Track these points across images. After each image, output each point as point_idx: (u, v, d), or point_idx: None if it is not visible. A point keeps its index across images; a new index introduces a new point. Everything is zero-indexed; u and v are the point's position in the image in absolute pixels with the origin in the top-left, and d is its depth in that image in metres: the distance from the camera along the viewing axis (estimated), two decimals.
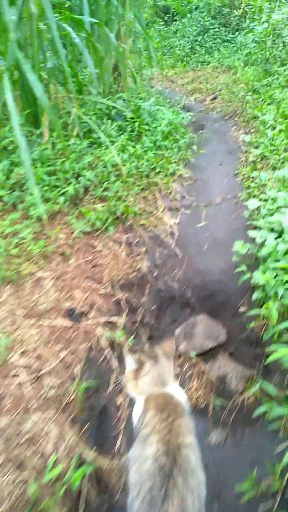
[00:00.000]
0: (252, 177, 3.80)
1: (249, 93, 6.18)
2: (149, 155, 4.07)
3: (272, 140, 4.33)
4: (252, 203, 3.10)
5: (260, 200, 3.20)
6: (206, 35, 9.50)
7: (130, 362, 1.53)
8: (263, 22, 6.06)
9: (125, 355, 1.63)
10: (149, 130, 4.49)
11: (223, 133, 5.35)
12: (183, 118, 5.20)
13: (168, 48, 10.08)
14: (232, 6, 9.74)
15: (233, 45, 8.94)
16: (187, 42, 9.65)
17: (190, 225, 3.30)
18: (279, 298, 2.23)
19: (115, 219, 3.11)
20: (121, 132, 4.43)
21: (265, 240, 2.66)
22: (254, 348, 2.44)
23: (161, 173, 3.97)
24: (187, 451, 1.25)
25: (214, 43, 9.27)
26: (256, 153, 4.19)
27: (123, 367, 1.74)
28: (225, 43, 9.23)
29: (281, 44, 6.08)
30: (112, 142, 3.99)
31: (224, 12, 9.69)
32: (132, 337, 2.29)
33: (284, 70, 5.73)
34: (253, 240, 2.76)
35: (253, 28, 7.63)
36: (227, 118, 5.88)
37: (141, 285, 2.62)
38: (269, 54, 6.47)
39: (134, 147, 4.18)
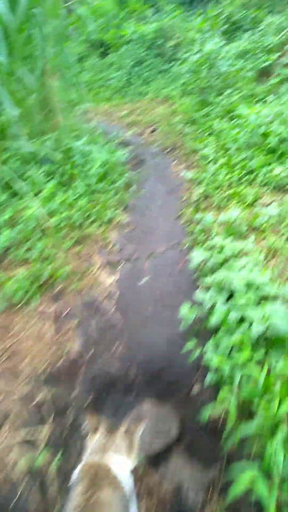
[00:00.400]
0: (196, 220, 3.43)
1: (187, 124, 5.95)
2: (82, 202, 3.62)
3: (215, 175, 4.03)
4: (197, 256, 2.70)
5: (206, 249, 2.82)
6: (142, 66, 9.37)
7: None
8: (196, 52, 5.89)
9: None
10: (82, 172, 4.06)
11: (164, 168, 5.02)
12: (119, 155, 4.81)
13: (105, 80, 9.85)
14: (165, 37, 9.71)
15: (169, 75, 8.84)
16: (124, 74, 9.47)
17: (131, 282, 2.85)
18: (235, 384, 1.80)
19: (41, 286, 2.60)
20: (51, 177, 3.97)
21: (215, 304, 2.26)
22: (214, 439, 1.99)
23: (96, 222, 3.52)
24: None
25: (150, 74, 9.14)
26: (198, 191, 3.85)
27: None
28: (161, 74, 9.12)
29: (215, 74, 5.93)
30: (37, 193, 3.50)
31: (158, 43, 9.62)
32: (60, 454, 1.76)
33: (221, 100, 5.54)
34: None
35: (187, 59, 7.54)
36: (167, 151, 5.58)
37: (72, 374, 2.11)
38: (205, 83, 6.31)
39: (65, 192, 3.73)
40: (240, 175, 3.88)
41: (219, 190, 3.77)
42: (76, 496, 1.20)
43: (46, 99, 5.33)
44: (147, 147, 6.03)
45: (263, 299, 2.14)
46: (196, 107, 6.13)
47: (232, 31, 8.35)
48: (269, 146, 4.02)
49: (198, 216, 3.47)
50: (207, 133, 5.20)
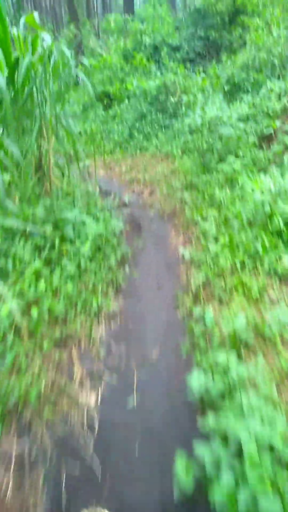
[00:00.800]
0: (196, 316, 2.99)
1: (188, 190, 5.63)
2: (69, 287, 3.19)
3: (216, 257, 3.62)
4: (197, 379, 2.23)
5: (207, 368, 2.35)
6: (144, 121, 9.25)
7: None
8: (199, 116, 5.66)
9: None
10: (73, 248, 3.65)
11: (162, 238, 4.63)
12: (115, 225, 4.44)
13: (108, 132, 9.72)
14: (168, 93, 9.65)
15: (170, 131, 8.68)
16: (125, 127, 9.34)
17: (116, 404, 2.35)
18: None
19: (5, 415, 2.11)
20: (38, 253, 3.57)
21: (218, 462, 1.77)
22: None
23: (83, 313, 3.07)
24: None
25: (152, 129, 9.00)
26: (198, 277, 3.43)
27: None
28: (163, 129, 8.98)
29: (217, 137, 5.68)
30: (20, 273, 3.08)
31: (161, 99, 9.56)
32: None
33: (222, 166, 5.24)
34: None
35: (188, 117, 7.37)
36: (166, 218, 5.22)
37: None
38: (206, 145, 6.05)
39: (52, 273, 3.31)
40: (244, 260, 3.47)
41: (220, 277, 3.35)
42: None
43: (41, 160, 5.03)
44: (146, 210, 5.69)
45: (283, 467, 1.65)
46: (197, 171, 5.84)
47: (233, 92, 8.25)
48: (275, 227, 3.64)
49: (198, 309, 3.03)
50: (208, 203, 4.85)
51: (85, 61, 12.62)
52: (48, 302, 2.99)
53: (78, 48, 19.43)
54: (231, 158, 5.15)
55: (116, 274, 3.70)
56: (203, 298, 3.20)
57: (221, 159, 5.51)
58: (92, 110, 11.59)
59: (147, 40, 12.18)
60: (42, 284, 3.10)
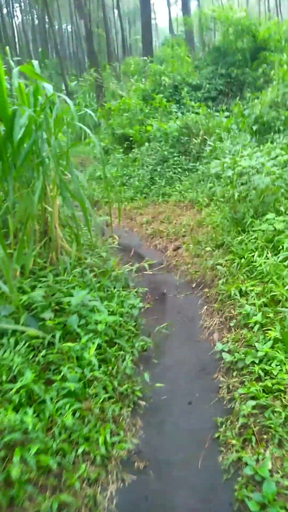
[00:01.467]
0: (247, 473, 2.02)
1: (218, 250, 4.73)
2: (68, 414, 2.30)
3: (267, 362, 2.67)
4: None
5: None
6: (165, 164, 8.52)
7: None
8: (227, 166, 4.82)
9: None
10: (75, 351, 2.78)
11: (191, 319, 3.71)
12: (132, 307, 3.56)
13: (128, 177, 9.04)
14: (190, 134, 8.96)
15: (194, 175, 7.89)
16: (146, 172, 8.63)
17: None
18: None
19: None
20: (33, 355, 2.73)
21: None
22: None
23: (85, 458, 2.16)
24: None
25: (174, 173, 8.25)
26: (245, 401, 2.46)
27: None
28: (186, 173, 8.21)
29: (253, 190, 4.80)
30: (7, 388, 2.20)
31: (183, 141, 8.86)
32: None
33: (260, 223, 4.33)
34: None
35: (213, 160, 6.58)
36: (194, 286, 4.32)
37: None
38: (238, 196, 5.18)
39: (47, 393, 2.43)
40: None
41: (277, 398, 2.38)
42: None
43: (47, 224, 4.29)
44: (170, 274, 4.80)
45: None
46: (228, 227, 4.95)
47: (262, 132, 7.45)
48: None
49: (249, 460, 2.06)
50: (246, 271, 3.92)
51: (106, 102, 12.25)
52: (35, 447, 2.11)
53: (99, 91, 19.40)
54: (270, 214, 4.24)
55: (133, 383, 2.79)
56: (254, 436, 2.23)
57: (258, 214, 4.60)
58: (112, 153, 11.03)
59: (166, 80, 11.69)
60: (30, 412, 2.22)
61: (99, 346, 2.94)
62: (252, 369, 2.67)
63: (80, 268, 4.01)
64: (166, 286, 4.47)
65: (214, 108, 10.62)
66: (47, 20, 37.58)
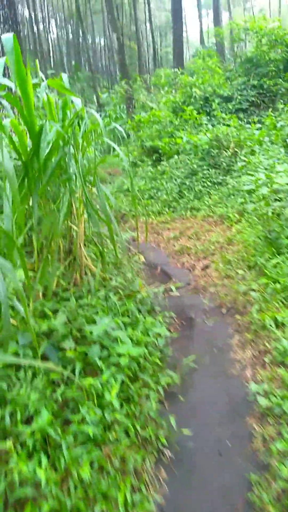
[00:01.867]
0: None
1: (250, 271, 4.40)
2: (84, 472, 2.04)
3: None
4: None
5: None
6: (194, 178, 8.24)
7: None
8: (263, 183, 4.50)
9: None
10: (97, 380, 2.53)
11: (222, 350, 3.39)
12: (158, 336, 3.29)
13: (156, 190, 8.81)
14: (221, 147, 8.65)
15: (224, 188, 7.57)
16: (175, 185, 8.38)
17: None
18: None
19: None
20: (51, 390, 2.50)
21: None
22: None
23: None
24: None
25: (203, 186, 7.95)
26: (284, 459, 2.14)
27: None
28: (216, 186, 7.90)
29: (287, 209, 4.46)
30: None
31: (213, 153, 8.56)
32: None
33: None
34: None
35: (245, 175, 6.25)
36: (224, 311, 4.00)
37: None
38: (272, 213, 4.84)
39: (57, 450, 2.19)
40: None
41: None
42: None
43: (72, 243, 4.09)
44: (198, 296, 4.50)
45: None
46: (261, 247, 4.60)
47: None
48: None
49: None
50: (283, 298, 3.58)
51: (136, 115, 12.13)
52: (48, 505, 1.86)
53: (129, 103, 19.39)
54: None
55: (157, 427, 2.50)
56: None
57: None
58: (141, 165, 10.86)
59: (197, 92, 11.45)
60: (42, 471, 1.98)
61: (121, 382, 2.69)
62: None
63: (105, 290, 3.78)
64: (194, 310, 4.17)
65: (245, 120, 10.28)
66: (81, 34, 38.38)
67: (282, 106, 10.35)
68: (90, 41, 46.45)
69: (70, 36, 45.19)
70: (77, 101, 3.73)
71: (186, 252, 5.79)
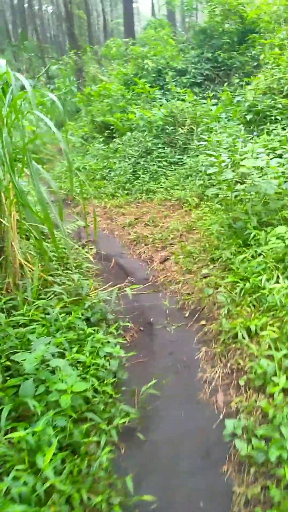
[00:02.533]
0: None
1: (215, 264, 3.85)
2: None
3: None
4: None
5: None
6: (149, 157, 7.51)
7: None
8: (228, 167, 3.89)
9: None
10: (29, 432, 1.88)
11: (187, 365, 2.83)
12: (110, 358, 2.65)
13: (108, 171, 8.00)
14: (176, 123, 7.95)
15: (181, 168, 6.92)
16: (128, 165, 7.61)
17: None
18: None
19: None
20: None
21: None
22: None
23: None
24: None
25: (159, 167, 7.25)
26: None
27: None
28: (172, 166, 7.23)
29: (254, 193, 3.91)
30: None
31: (168, 130, 7.84)
32: None
33: (267, 237, 3.44)
34: None
35: (203, 154, 5.64)
36: (187, 315, 3.43)
37: None
38: (235, 198, 4.29)
39: None
40: None
41: None
42: None
43: (3, 240, 3.31)
44: (157, 294, 3.91)
45: None
46: (225, 237, 4.05)
47: (256, 122, 6.52)
48: None
49: None
50: (253, 300, 3.05)
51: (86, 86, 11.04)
52: None
53: (79, 75, 17.99)
54: (281, 227, 3.36)
55: (110, 492, 1.89)
56: None
57: (262, 225, 3.72)
58: (93, 142, 9.93)
59: (149, 64, 10.55)
60: None
61: (62, 429, 2.04)
62: (280, 470, 1.81)
63: (45, 298, 3.07)
64: (153, 313, 3.57)
65: (200, 95, 9.59)
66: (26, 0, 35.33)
67: (237, 80, 9.75)
68: (37, 9, 43.01)
69: (15, 1, 41.50)
70: (1, 63, 2.88)
71: (143, 242, 5.14)
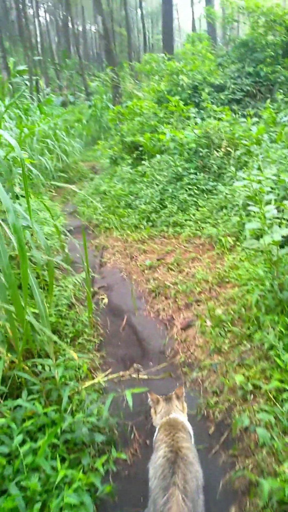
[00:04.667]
0: None
1: (251, 344, 2.80)
2: None
3: None
4: None
5: None
6: (179, 184, 6.55)
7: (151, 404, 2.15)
8: (272, 220, 2.85)
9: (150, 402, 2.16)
10: None
11: None
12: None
13: (134, 197, 7.11)
14: (211, 145, 6.95)
15: (215, 198, 5.89)
16: (156, 192, 6.68)
17: None
18: None
19: None
20: None
21: None
22: None
23: None
24: (186, 451, 1.72)
25: (190, 195, 6.26)
26: None
27: None
28: (205, 195, 6.22)
29: None
30: None
31: (201, 153, 6.86)
32: None
33: None
34: None
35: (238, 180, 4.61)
36: (212, 429, 2.40)
37: None
38: (283, 257, 3.21)
39: None
40: None
41: None
42: (163, 436, 1.83)
43: None
44: (174, 381, 2.90)
45: None
46: (268, 307, 2.99)
47: None
48: None
49: None
50: None
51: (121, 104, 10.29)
52: None
53: (116, 92, 17.43)
54: None
55: None
56: None
57: None
58: (121, 164, 9.12)
59: (184, 80, 9.64)
60: None
61: None
62: None
63: (11, 409, 2.16)
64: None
65: (239, 113, 8.53)
66: (70, 20, 35.76)
67: (281, 96, 8.64)
68: (81, 28, 43.70)
69: (60, 22, 42.34)
70: None
71: (164, 294, 4.16)
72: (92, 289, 4.56)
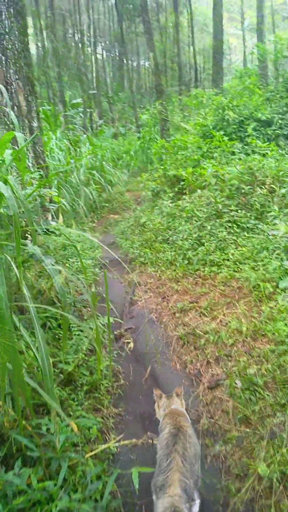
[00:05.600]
0: None
1: (284, 414, 2.42)
2: None
3: None
4: None
5: None
6: (218, 221, 6.29)
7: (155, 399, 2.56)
8: None
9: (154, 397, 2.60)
10: None
11: None
12: None
13: (172, 232, 6.93)
14: (254, 182, 6.68)
15: (256, 238, 5.55)
16: (195, 228, 6.46)
17: None
18: None
19: None
20: None
21: None
22: None
23: None
24: (186, 428, 2.17)
25: (229, 233, 5.98)
26: None
27: None
28: (245, 233, 5.90)
29: None
30: None
31: (244, 190, 6.59)
32: None
33: None
34: None
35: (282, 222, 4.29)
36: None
37: None
38: None
39: None
40: None
41: None
42: (168, 419, 2.26)
43: None
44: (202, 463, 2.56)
45: None
46: None
47: None
48: None
49: None
50: None
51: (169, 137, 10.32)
52: None
53: (163, 125, 17.73)
54: None
55: None
56: None
57: None
58: (162, 197, 9.04)
59: (230, 115, 9.52)
60: None
61: None
62: None
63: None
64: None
65: (287, 149, 8.20)
66: (124, 56, 37.59)
67: None
68: (135, 63, 45.77)
69: (116, 58, 44.73)
70: None
71: (193, 343, 3.86)
72: (118, 331, 4.37)
